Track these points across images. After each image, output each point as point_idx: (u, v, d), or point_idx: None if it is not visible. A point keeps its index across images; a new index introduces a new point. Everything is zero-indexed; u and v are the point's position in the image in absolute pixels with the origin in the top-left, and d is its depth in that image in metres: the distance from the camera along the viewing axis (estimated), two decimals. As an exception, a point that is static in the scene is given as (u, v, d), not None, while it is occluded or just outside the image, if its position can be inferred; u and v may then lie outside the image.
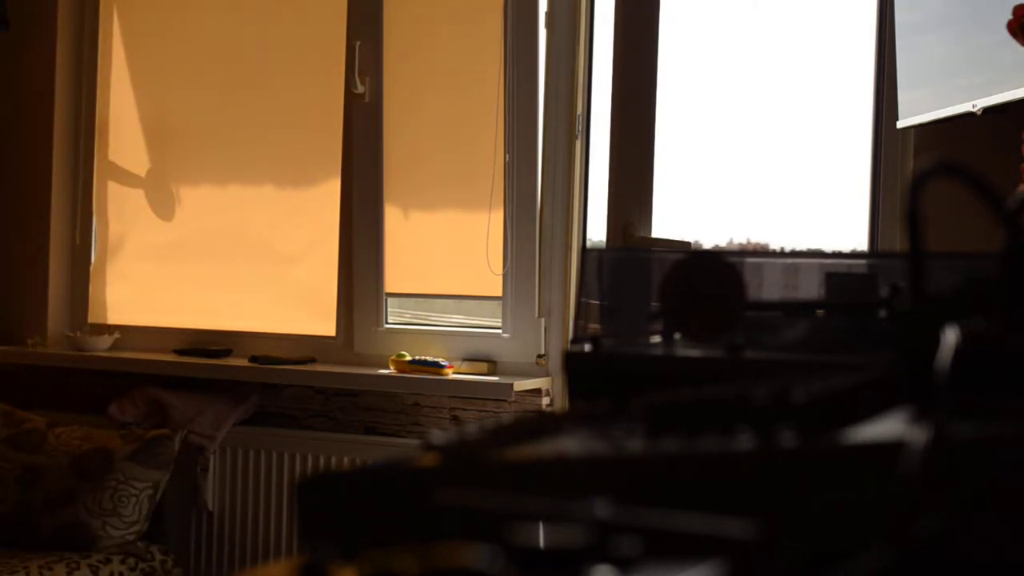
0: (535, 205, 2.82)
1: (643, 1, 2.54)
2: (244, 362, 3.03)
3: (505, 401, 2.76)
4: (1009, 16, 1.95)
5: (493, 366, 2.84)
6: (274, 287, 3.19)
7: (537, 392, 2.80)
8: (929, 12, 2.37)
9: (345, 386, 2.95)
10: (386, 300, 3.04)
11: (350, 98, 3.04)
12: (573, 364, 0.73)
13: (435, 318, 3.12)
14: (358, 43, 3.01)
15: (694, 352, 0.72)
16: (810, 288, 0.79)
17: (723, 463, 0.44)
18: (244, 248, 3.25)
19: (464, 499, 0.43)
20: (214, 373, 3.04)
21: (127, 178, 3.44)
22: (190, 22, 3.34)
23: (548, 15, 2.82)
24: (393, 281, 3.04)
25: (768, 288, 0.78)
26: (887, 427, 0.45)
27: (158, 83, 3.41)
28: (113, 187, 3.45)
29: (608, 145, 2.58)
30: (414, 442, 2.74)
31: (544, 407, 2.77)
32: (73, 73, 3.46)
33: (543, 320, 2.82)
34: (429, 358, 2.83)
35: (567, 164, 2.80)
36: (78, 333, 3.31)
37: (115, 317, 3.42)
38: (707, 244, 2.75)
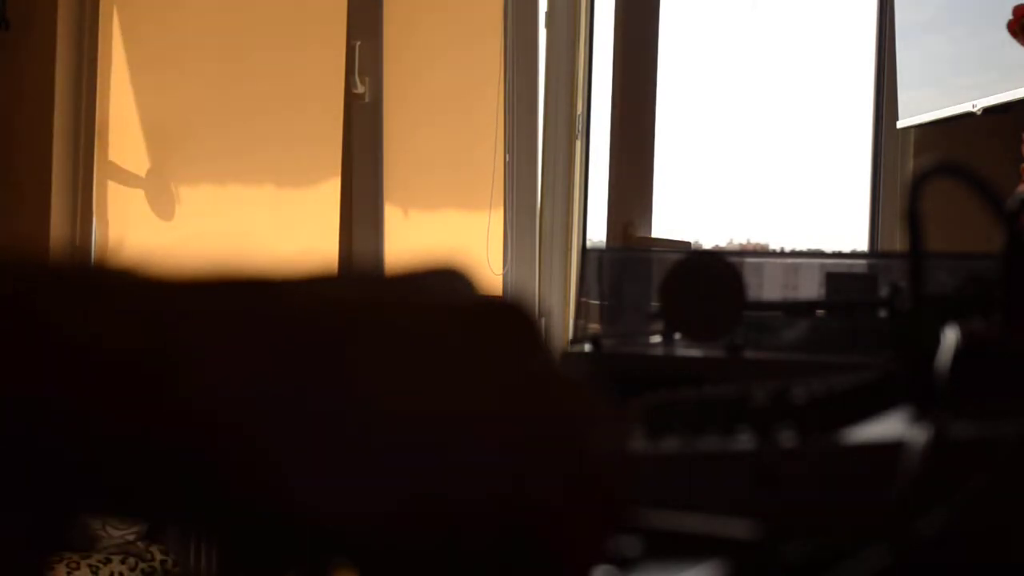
0: (535, 205, 2.82)
1: (643, 1, 2.54)
2: (244, 362, 3.03)
3: (505, 401, 2.76)
4: (1009, 16, 1.95)
5: (493, 366, 2.84)
6: (274, 287, 3.18)
7: (537, 392, 2.79)
8: (929, 12, 2.37)
9: (345, 386, 2.95)
10: (386, 300, 3.04)
11: (350, 98, 3.04)
12: (573, 364, 0.73)
13: (435, 318, 3.12)
14: (358, 43, 3.01)
15: (694, 352, 0.72)
16: (810, 288, 0.79)
17: (723, 463, 0.44)
18: (244, 248, 3.24)
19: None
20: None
21: (127, 178, 3.44)
22: (190, 22, 3.34)
23: (548, 15, 2.82)
24: (393, 281, 3.04)
25: (768, 288, 0.78)
26: (887, 427, 0.45)
27: (158, 83, 3.41)
28: (113, 187, 3.45)
29: (608, 145, 2.58)
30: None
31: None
32: (73, 73, 3.45)
33: (543, 320, 2.81)
34: (429, 358, 2.82)
35: (567, 164, 2.80)
36: (78, 333, 3.31)
37: (115, 317, 3.41)
38: (707, 244, 2.75)
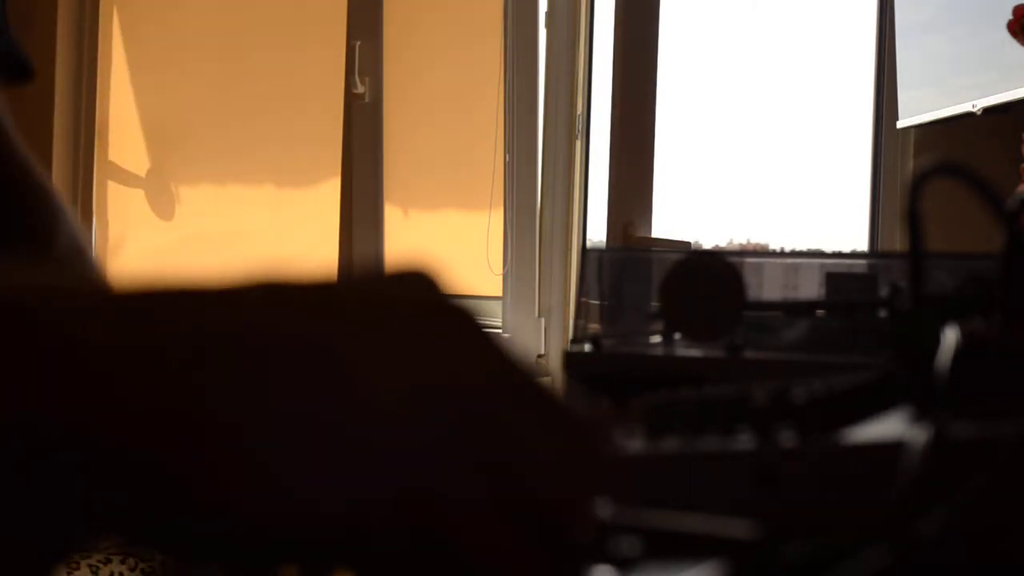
0: (535, 205, 2.82)
1: (643, 1, 2.54)
2: (244, 362, 3.03)
3: (505, 401, 2.75)
4: (1009, 16, 1.95)
5: (493, 366, 2.83)
6: (274, 287, 3.18)
7: (537, 392, 2.79)
8: (929, 12, 2.37)
9: (345, 386, 2.95)
10: (386, 300, 3.03)
11: (350, 98, 3.04)
12: (573, 364, 0.73)
13: (435, 318, 3.12)
14: (358, 43, 3.01)
15: (694, 352, 0.72)
16: (810, 288, 0.79)
17: (723, 463, 0.44)
18: (244, 248, 3.25)
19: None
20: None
21: (127, 178, 3.44)
22: (190, 22, 3.34)
23: (548, 15, 2.82)
24: (393, 281, 3.04)
25: (768, 288, 0.78)
26: (887, 427, 0.45)
27: (158, 83, 3.41)
28: (113, 187, 3.45)
29: (608, 145, 2.58)
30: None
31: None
32: (73, 73, 3.46)
33: (543, 320, 2.82)
34: (429, 358, 2.82)
35: (567, 164, 2.80)
36: (78, 333, 3.30)
37: (115, 317, 3.41)
38: (707, 244, 2.75)
